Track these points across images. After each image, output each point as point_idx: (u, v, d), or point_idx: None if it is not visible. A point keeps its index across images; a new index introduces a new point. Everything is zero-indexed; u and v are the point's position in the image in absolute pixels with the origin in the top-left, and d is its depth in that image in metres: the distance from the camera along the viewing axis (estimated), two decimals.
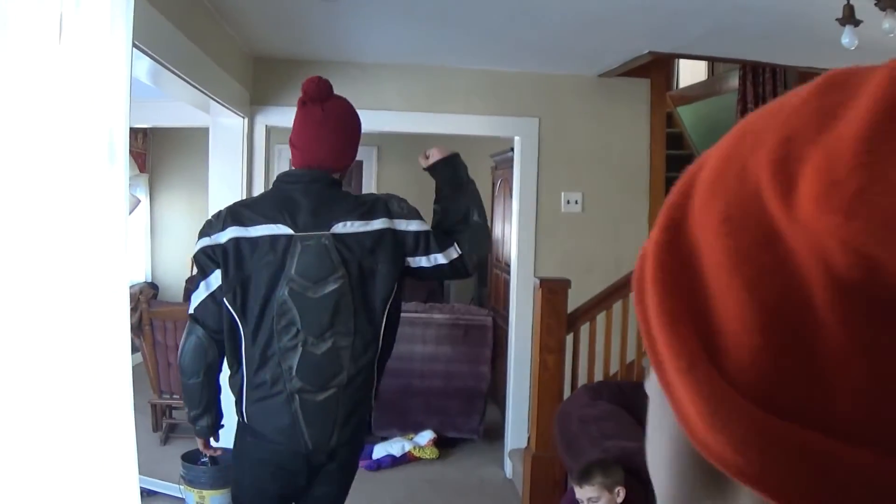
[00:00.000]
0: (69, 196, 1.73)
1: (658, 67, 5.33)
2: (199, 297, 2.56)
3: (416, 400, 5.79)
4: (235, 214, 2.54)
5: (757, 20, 3.65)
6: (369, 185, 8.81)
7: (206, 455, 3.54)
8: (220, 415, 2.72)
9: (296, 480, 2.65)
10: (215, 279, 2.53)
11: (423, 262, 2.63)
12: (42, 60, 1.65)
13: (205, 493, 4.31)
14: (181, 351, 2.60)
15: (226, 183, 4.73)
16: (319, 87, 2.64)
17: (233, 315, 2.51)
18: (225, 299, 2.51)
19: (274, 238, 2.49)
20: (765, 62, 4.90)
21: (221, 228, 2.52)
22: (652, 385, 0.45)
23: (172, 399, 5.59)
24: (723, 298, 0.39)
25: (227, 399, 2.67)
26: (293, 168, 2.74)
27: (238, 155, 4.75)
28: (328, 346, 2.51)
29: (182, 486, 4.44)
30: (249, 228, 2.50)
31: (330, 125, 2.63)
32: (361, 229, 2.55)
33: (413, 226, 2.61)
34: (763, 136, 0.39)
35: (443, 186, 2.79)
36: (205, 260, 2.53)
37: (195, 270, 2.64)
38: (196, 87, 3.58)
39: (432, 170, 2.81)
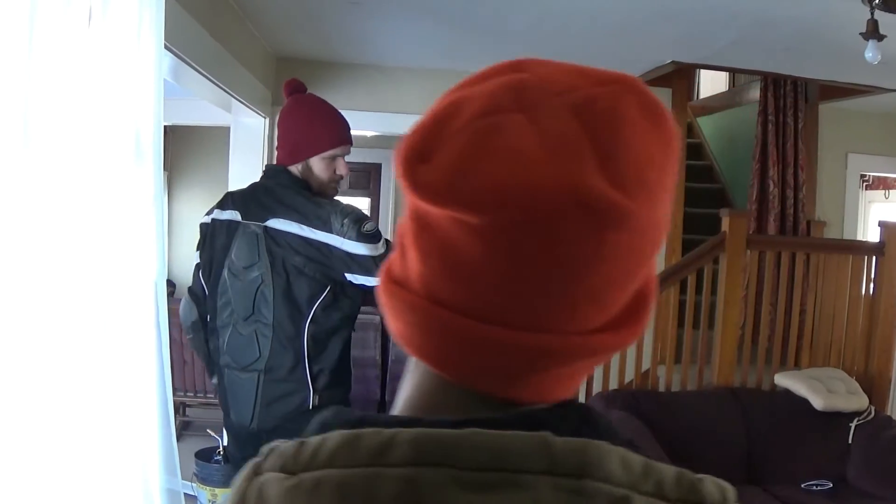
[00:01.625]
0: (96, 192, 1.75)
1: (680, 77, 5.32)
2: (194, 265, 2.84)
3: None
4: (223, 199, 2.82)
5: (780, 33, 3.64)
6: (388, 188, 8.82)
7: (218, 454, 3.55)
8: None
9: (246, 448, 2.74)
10: None
11: (362, 280, 2.56)
12: (70, 56, 1.66)
13: (217, 490, 4.32)
14: None
15: (245, 182, 4.63)
16: (284, 88, 2.82)
17: (203, 286, 2.78)
18: (199, 271, 2.77)
19: (228, 223, 2.71)
20: (786, 74, 4.88)
21: (212, 210, 2.80)
22: None
23: (186, 396, 5.61)
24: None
25: None
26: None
27: (258, 154, 4.77)
28: (251, 330, 2.64)
29: (195, 484, 4.45)
30: (222, 212, 2.76)
31: (278, 126, 2.83)
32: (292, 230, 2.59)
33: (347, 246, 2.52)
34: None
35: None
36: (201, 234, 2.83)
37: None
38: (219, 86, 3.61)
39: None
